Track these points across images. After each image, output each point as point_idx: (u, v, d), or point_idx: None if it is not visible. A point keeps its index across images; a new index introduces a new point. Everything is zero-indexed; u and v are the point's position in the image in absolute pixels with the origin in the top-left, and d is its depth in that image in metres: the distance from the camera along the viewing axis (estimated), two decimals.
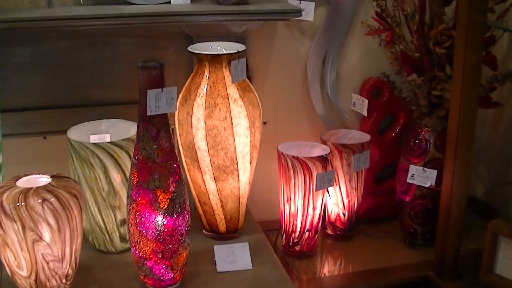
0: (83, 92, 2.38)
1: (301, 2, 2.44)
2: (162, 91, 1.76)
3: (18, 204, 1.64)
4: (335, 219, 2.55)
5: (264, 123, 2.54)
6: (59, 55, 2.22)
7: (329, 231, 2.60)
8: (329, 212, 2.55)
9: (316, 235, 2.42)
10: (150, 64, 1.76)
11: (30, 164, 2.35)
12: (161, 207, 1.78)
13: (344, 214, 2.52)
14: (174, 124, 2.11)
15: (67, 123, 2.17)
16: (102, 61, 2.36)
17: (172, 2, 2.32)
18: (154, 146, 1.77)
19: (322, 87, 2.57)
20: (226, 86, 2.05)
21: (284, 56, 2.56)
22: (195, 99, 2.06)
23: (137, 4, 2.29)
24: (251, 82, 2.41)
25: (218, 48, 2.16)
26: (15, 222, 1.65)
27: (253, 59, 2.49)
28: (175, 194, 1.80)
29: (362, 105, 2.58)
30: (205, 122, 2.04)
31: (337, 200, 2.50)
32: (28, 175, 1.79)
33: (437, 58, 2.33)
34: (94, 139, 2.20)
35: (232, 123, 2.04)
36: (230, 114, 2.03)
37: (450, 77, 2.28)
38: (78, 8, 2.25)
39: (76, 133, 2.14)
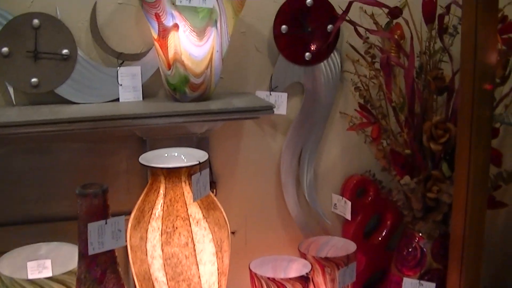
0: (18, 206, 2.03)
1: (271, 93, 2.10)
2: (106, 223, 1.39)
3: None
4: None
5: (233, 233, 2.17)
6: None
7: None
8: None
9: None
10: (90, 191, 1.39)
11: None
12: None
13: None
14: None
15: None
16: (40, 169, 2.02)
17: (120, 100, 1.98)
18: None
19: (298, 188, 2.28)
20: (186, 205, 1.70)
21: (253, 156, 2.24)
22: (149, 222, 1.69)
23: (79, 104, 1.93)
24: (215, 188, 2.08)
25: (176, 155, 1.82)
26: None
27: (218, 161, 2.15)
28: None
29: (344, 207, 2.23)
30: (162, 250, 1.67)
31: None
32: None
33: (432, 155, 1.98)
34: (31, 266, 1.84)
35: (195, 250, 1.69)
36: (193, 239, 1.68)
37: (448, 177, 1.94)
38: (10, 109, 1.93)
39: (10, 260, 1.80)
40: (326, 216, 2.32)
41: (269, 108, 1.91)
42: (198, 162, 1.71)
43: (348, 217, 2.24)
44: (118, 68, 1.99)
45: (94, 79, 1.99)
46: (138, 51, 2.06)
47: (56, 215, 2.06)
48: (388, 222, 2.39)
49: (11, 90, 1.95)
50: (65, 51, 1.95)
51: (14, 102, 1.96)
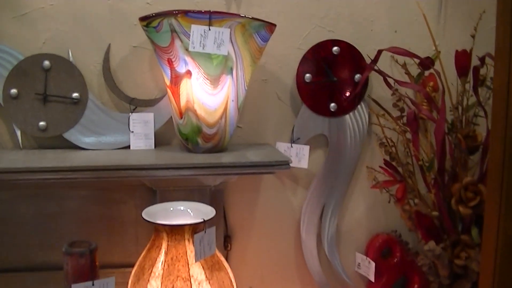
0: (20, 252, 1.93)
1: (293, 145, 1.97)
2: (93, 284, 1.27)
3: None
4: None
5: None
6: None
7: None
8: None
9: None
10: (77, 250, 1.28)
11: None
12: None
13: None
14: None
15: None
16: (45, 216, 1.92)
17: (131, 147, 1.88)
18: None
19: (319, 246, 2.14)
20: (188, 264, 1.58)
21: (272, 210, 2.12)
22: (148, 280, 1.58)
23: (88, 150, 1.83)
24: (230, 243, 1.95)
25: (182, 209, 1.70)
26: None
27: (234, 214, 2.03)
28: None
29: (368, 268, 2.07)
30: None
31: None
32: None
33: (462, 218, 1.82)
34: None
35: None
36: None
37: (478, 244, 1.80)
38: (16, 153, 1.85)
39: None
40: (348, 276, 2.17)
41: (285, 164, 1.77)
42: (202, 220, 1.58)
43: (372, 278, 2.08)
44: (130, 114, 1.91)
45: (104, 125, 1.92)
46: (152, 96, 1.97)
47: (59, 264, 1.88)
48: (416, 286, 2.21)
49: (18, 133, 1.88)
50: (75, 94, 1.88)
51: (21, 146, 1.88)
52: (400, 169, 1.98)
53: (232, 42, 1.72)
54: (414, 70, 2.03)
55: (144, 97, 1.95)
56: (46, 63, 1.85)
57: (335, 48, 2.00)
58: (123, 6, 1.89)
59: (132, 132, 1.91)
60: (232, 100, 1.79)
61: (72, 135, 1.89)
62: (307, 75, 2.00)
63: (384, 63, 2.05)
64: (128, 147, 1.92)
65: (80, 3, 1.89)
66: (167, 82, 1.79)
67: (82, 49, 1.91)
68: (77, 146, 1.89)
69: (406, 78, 2.05)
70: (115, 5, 1.89)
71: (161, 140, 1.97)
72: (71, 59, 1.89)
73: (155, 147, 1.93)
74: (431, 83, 2.04)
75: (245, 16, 1.72)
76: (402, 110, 1.99)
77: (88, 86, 1.89)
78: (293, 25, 2.02)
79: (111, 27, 1.91)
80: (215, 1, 1.94)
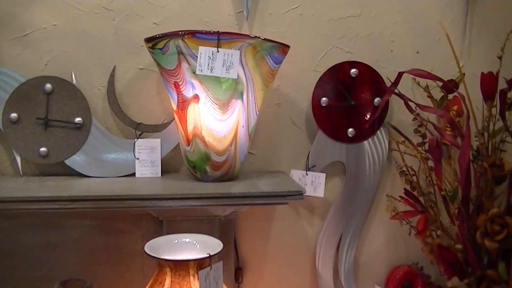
0: (22, 285, 1.83)
1: (308, 173, 1.86)
2: None
3: None
4: None
5: None
6: None
7: None
8: None
9: None
10: None
11: None
12: None
13: None
14: None
15: None
16: (47, 246, 1.82)
17: (136, 175, 1.78)
18: None
19: (336, 279, 2.02)
20: None
21: (285, 241, 2.01)
22: None
23: (91, 177, 1.74)
24: (241, 276, 1.85)
25: (187, 241, 1.58)
26: None
27: (245, 245, 1.93)
28: None
29: None
30: None
31: None
32: None
33: (487, 251, 1.69)
34: None
35: None
36: None
37: (506, 280, 1.68)
38: (15, 180, 1.76)
39: None
40: None
41: (299, 194, 1.66)
42: (208, 255, 1.46)
43: None
44: (136, 140, 1.82)
45: (108, 151, 1.83)
46: (159, 121, 1.88)
47: None
48: None
49: (18, 159, 1.80)
50: (78, 119, 1.79)
51: (21, 173, 1.79)
52: (421, 198, 1.86)
53: (242, 65, 1.62)
54: (437, 93, 1.91)
55: (150, 122, 1.86)
56: (48, 86, 1.77)
57: (353, 70, 1.89)
58: (129, 26, 1.80)
59: (138, 159, 1.81)
60: (243, 126, 1.69)
61: (74, 162, 1.81)
62: (324, 98, 1.89)
63: (405, 86, 1.95)
64: (133, 174, 1.82)
65: (83, 23, 1.81)
66: (174, 106, 1.69)
67: (85, 71, 1.83)
68: (80, 173, 1.80)
69: (428, 102, 1.93)
70: (121, 25, 1.80)
71: (168, 167, 1.87)
72: (74, 81, 1.81)
73: (161, 174, 1.83)
74: (455, 107, 1.93)
75: (256, 37, 1.61)
76: (424, 136, 1.87)
77: (91, 110, 1.81)
78: (308, 46, 1.92)
79: (116, 48, 1.83)
80: (226, 21, 1.84)
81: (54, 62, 1.82)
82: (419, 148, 1.86)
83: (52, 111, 1.78)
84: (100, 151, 1.82)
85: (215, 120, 1.66)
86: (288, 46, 1.69)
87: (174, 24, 1.82)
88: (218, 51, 1.59)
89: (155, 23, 1.83)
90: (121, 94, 1.85)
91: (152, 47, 1.65)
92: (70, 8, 1.80)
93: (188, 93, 1.65)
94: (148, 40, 1.65)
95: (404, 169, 1.88)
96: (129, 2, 1.81)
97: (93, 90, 1.84)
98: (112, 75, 1.82)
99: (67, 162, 1.80)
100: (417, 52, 1.98)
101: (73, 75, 1.81)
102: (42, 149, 1.77)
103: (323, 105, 1.90)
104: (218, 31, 1.59)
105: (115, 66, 1.84)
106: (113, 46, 1.84)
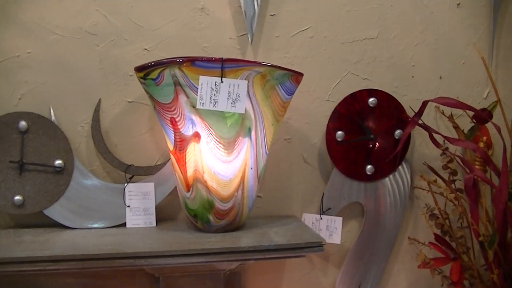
0: None
1: (322, 217, 1.65)
2: None
3: None
4: None
5: None
6: None
7: None
8: None
9: None
10: None
11: None
12: None
13: None
14: None
15: None
16: None
17: (127, 225, 1.58)
18: None
19: None
20: None
21: None
22: None
23: (75, 229, 1.58)
24: None
25: None
26: None
27: None
28: None
29: None
30: None
31: None
32: None
33: None
34: None
35: None
36: None
37: None
38: None
39: None
40: None
41: (318, 245, 1.44)
42: None
43: None
44: (126, 184, 1.61)
45: (94, 199, 1.60)
46: (152, 163, 1.67)
47: None
48: None
49: None
50: (58, 162, 1.58)
51: None
52: (453, 244, 1.63)
53: (250, 97, 1.40)
54: (463, 123, 1.69)
55: (142, 164, 1.65)
56: (23, 123, 1.56)
57: (371, 99, 1.68)
58: (116, 53, 1.59)
59: (129, 206, 1.61)
60: (251, 168, 1.46)
61: (55, 212, 1.58)
62: (339, 132, 1.69)
63: (427, 115, 1.77)
64: (124, 224, 1.61)
65: (63, 50, 1.60)
66: (170, 146, 1.46)
67: (66, 106, 1.61)
68: (61, 225, 1.58)
69: (453, 133, 1.76)
70: (106, 52, 1.59)
71: (164, 214, 1.66)
72: (53, 118, 1.60)
73: (156, 224, 1.62)
74: (484, 138, 1.72)
75: (266, 64, 1.38)
76: (454, 173, 1.65)
77: (74, 151, 1.59)
78: (321, 73, 1.72)
79: (101, 78, 1.62)
80: (227, 45, 1.65)
81: (29, 96, 1.60)
82: (451, 186, 1.64)
83: (28, 153, 1.56)
84: (84, 198, 1.60)
85: (219, 161, 1.44)
86: (302, 74, 1.48)
87: (167, 50, 1.62)
88: (222, 82, 1.37)
89: (145, 49, 1.61)
90: (107, 132, 1.64)
91: (144, 77, 1.42)
92: (47, 32, 1.59)
93: (188, 131, 1.42)
94: (139, 69, 1.42)
95: (436, 211, 1.65)
96: (116, 25, 1.58)
97: (75, 128, 1.63)
98: (97, 110, 1.62)
99: (46, 212, 1.58)
100: (440, 77, 1.79)
101: (52, 111, 1.60)
102: (17, 197, 1.56)
103: (338, 139, 1.70)
104: (222, 58, 1.36)
105: (100, 99, 1.63)
106: (97, 76, 1.62)
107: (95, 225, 1.60)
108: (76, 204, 1.59)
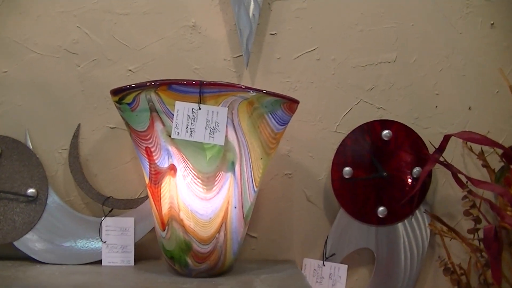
0: None
1: (325, 263, 1.51)
2: None
3: None
4: None
5: None
6: None
7: None
8: None
9: None
10: None
11: None
12: None
13: None
14: None
15: None
16: None
17: (103, 263, 1.49)
18: None
19: None
20: None
21: None
22: None
23: (46, 264, 1.47)
24: None
25: None
26: None
27: None
28: None
29: None
30: None
31: None
32: None
33: None
34: None
35: None
36: None
37: None
38: None
39: None
40: None
41: None
42: None
43: None
44: (103, 218, 1.48)
45: (68, 232, 1.48)
46: (134, 195, 1.53)
47: None
48: None
49: None
50: (31, 190, 1.47)
51: None
52: None
53: (234, 127, 1.24)
54: (495, 162, 1.49)
55: (123, 196, 1.52)
56: None
57: (385, 132, 1.52)
58: (98, 74, 1.47)
59: (105, 242, 1.47)
60: (235, 207, 1.30)
61: (25, 244, 1.46)
62: (347, 168, 1.52)
63: (453, 151, 1.60)
64: (100, 262, 1.48)
65: (41, 69, 1.50)
66: (146, 179, 1.32)
67: (43, 130, 1.51)
68: (32, 259, 1.46)
69: (483, 172, 1.56)
70: (87, 73, 1.48)
71: (145, 253, 1.52)
72: (28, 143, 1.49)
73: (135, 263, 1.48)
74: None
75: (252, 89, 1.22)
76: (477, 220, 1.44)
77: (49, 179, 1.47)
78: (329, 100, 1.57)
79: (81, 101, 1.51)
80: (221, 67, 1.51)
81: (4, 118, 1.50)
82: (472, 236, 1.43)
83: None
84: (58, 231, 1.48)
85: (197, 198, 1.29)
86: (297, 102, 1.31)
87: (154, 72, 1.49)
88: (199, 108, 1.20)
89: (130, 70, 1.48)
90: (87, 160, 1.52)
91: (119, 102, 1.28)
92: (24, 50, 1.49)
93: (163, 163, 1.27)
94: (114, 92, 1.29)
95: (450, 266, 1.44)
96: (98, 43, 1.46)
97: (52, 154, 1.51)
98: (75, 136, 1.50)
99: (16, 244, 1.47)
100: (469, 108, 1.62)
101: (28, 135, 1.50)
102: None
103: (346, 176, 1.54)
104: (201, 81, 1.21)
105: (79, 124, 1.51)
106: (77, 98, 1.51)
107: (69, 261, 1.46)
108: (49, 238, 1.48)
